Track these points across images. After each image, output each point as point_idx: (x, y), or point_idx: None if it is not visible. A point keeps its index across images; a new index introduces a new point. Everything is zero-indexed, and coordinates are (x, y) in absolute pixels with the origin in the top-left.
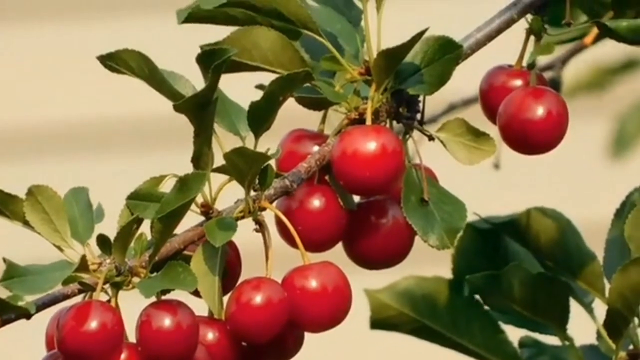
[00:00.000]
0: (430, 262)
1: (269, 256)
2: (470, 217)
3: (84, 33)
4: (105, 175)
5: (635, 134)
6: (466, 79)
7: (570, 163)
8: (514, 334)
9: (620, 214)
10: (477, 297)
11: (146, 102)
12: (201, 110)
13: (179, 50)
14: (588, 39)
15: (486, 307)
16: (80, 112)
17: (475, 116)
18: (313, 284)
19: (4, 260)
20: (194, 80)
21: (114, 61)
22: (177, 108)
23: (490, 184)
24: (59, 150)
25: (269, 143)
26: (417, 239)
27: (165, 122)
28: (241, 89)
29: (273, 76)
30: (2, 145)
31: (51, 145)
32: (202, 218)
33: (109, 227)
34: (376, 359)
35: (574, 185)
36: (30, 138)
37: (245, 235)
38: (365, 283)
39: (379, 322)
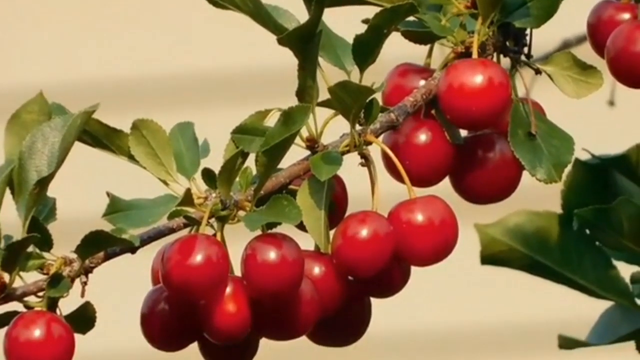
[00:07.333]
0: (538, 200)
1: (374, 191)
2: (582, 154)
3: None
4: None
5: None
6: (579, 14)
7: None
8: (625, 270)
9: None
10: (589, 232)
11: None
12: (305, 43)
13: None
14: None
15: (598, 243)
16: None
17: (590, 53)
18: (419, 217)
19: (108, 194)
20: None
21: None
22: (281, 41)
23: (603, 122)
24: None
25: (376, 78)
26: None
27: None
28: (347, 24)
29: (378, 10)
30: (114, 97)
31: (157, 98)
32: (308, 152)
33: (217, 164)
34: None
35: None
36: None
37: (352, 171)
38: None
39: (489, 257)
